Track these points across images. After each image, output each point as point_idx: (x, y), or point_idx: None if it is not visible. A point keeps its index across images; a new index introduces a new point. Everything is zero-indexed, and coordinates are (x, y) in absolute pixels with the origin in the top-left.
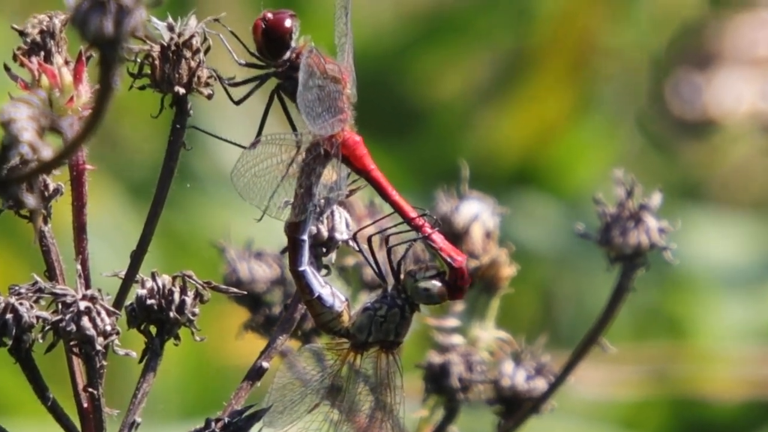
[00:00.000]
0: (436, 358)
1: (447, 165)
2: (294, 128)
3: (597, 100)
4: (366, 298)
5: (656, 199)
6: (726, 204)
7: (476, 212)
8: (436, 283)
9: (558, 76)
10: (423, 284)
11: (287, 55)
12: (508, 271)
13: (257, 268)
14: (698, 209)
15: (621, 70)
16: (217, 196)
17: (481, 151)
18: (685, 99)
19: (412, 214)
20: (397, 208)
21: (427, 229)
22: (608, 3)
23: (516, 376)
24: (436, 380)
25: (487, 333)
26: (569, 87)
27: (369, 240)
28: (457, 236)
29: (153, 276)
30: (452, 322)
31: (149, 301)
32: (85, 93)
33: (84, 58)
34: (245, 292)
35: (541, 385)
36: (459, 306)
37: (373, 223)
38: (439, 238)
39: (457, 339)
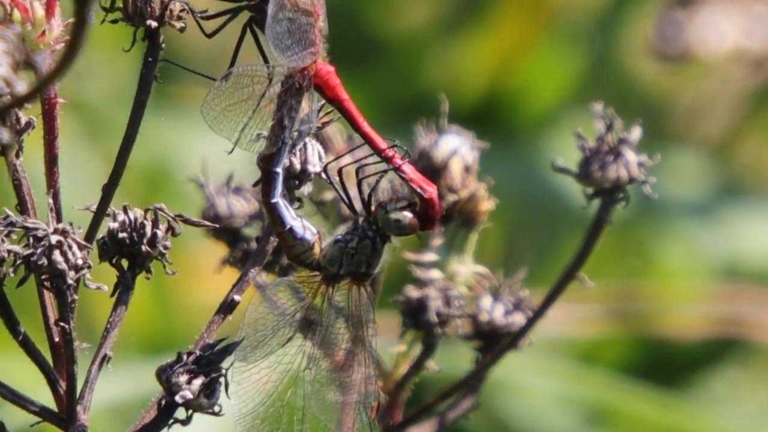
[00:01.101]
0: (414, 293)
1: (409, 96)
2: (266, 61)
3: (562, 27)
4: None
5: (636, 133)
6: (686, 137)
7: (455, 146)
8: (407, 214)
9: (522, 2)
10: (394, 215)
11: None
12: (487, 205)
13: (235, 202)
14: (660, 142)
15: None
16: (188, 129)
17: (444, 82)
18: (667, 36)
19: (383, 145)
20: (368, 140)
21: (398, 161)
22: None
23: (494, 311)
24: (414, 315)
25: (466, 268)
26: (534, 13)
27: (340, 172)
28: (436, 171)
29: (125, 209)
30: (430, 256)
31: (121, 235)
32: (57, 27)
33: None
34: (217, 225)
35: (519, 320)
36: (437, 241)
37: (345, 154)
38: (409, 169)
39: (435, 274)
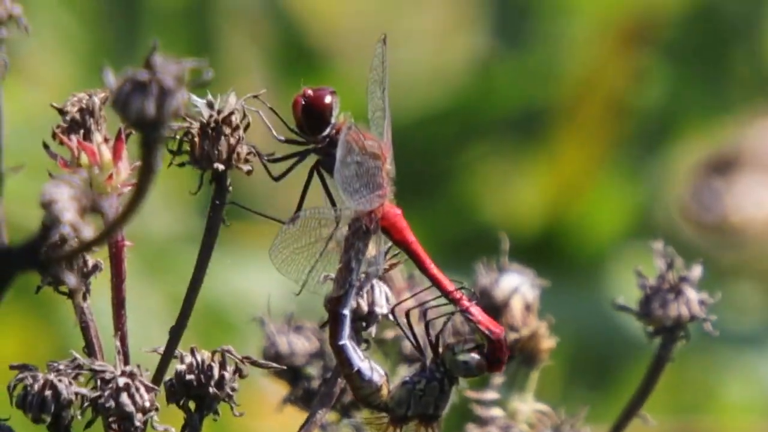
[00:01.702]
0: (475, 431)
1: (467, 228)
2: (333, 204)
3: (622, 163)
4: (405, 372)
5: (696, 271)
6: (738, 270)
7: (516, 285)
8: (475, 356)
9: (582, 138)
10: (462, 357)
11: (327, 131)
12: (548, 343)
13: (296, 341)
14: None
15: (646, 130)
16: (243, 265)
17: (502, 215)
18: (705, 204)
19: (450, 287)
20: (435, 282)
21: (465, 302)
22: (635, 61)
23: None
24: None
25: (527, 405)
26: (592, 145)
27: (407, 314)
28: (497, 309)
29: (192, 351)
30: (492, 394)
31: (188, 377)
32: (124, 170)
33: (123, 136)
34: (285, 367)
35: None
36: (498, 379)
37: (412, 296)
38: (477, 311)
39: (496, 412)
